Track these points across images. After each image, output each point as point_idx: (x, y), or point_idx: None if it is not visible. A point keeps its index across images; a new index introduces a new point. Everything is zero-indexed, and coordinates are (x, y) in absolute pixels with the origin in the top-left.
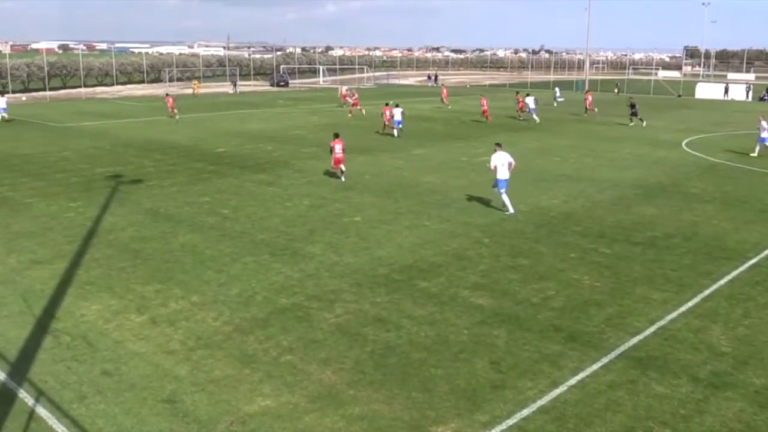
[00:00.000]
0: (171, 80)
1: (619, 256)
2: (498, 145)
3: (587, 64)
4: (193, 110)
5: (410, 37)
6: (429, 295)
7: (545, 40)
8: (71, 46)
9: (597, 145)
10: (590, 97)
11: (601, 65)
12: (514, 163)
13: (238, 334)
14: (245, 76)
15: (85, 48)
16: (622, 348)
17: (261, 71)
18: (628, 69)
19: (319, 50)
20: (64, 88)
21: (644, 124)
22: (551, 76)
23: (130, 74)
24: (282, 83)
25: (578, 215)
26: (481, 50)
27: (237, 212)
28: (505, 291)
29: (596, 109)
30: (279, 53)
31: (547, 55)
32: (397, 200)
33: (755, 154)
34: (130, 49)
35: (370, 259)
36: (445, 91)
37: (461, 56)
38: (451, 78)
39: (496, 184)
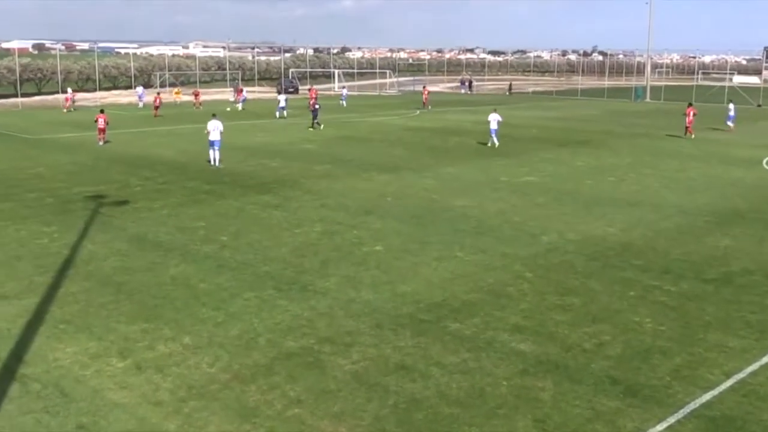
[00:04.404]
0: (162, 85)
1: (688, 295)
2: (213, 115)
3: (648, 68)
4: (188, 120)
5: (440, 36)
6: (462, 339)
7: (598, 40)
8: (48, 45)
9: (660, 163)
10: (426, 93)
11: (665, 69)
12: (222, 129)
13: (237, 382)
14: (248, 81)
15: (63, 48)
16: (692, 405)
17: (267, 75)
18: (697, 74)
19: (334, 51)
20: (39, 94)
21: (321, 127)
22: (606, 82)
23: (116, 78)
24: (291, 89)
25: (638, 246)
26: (523, 52)
27: (237, 240)
28: (551, 335)
29: (430, 107)
30: (288, 55)
31: (600, 58)
32: (425, 227)
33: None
34: (116, 50)
35: (393, 295)
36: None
37: (500, 59)
38: (487, 84)
39: (210, 144)
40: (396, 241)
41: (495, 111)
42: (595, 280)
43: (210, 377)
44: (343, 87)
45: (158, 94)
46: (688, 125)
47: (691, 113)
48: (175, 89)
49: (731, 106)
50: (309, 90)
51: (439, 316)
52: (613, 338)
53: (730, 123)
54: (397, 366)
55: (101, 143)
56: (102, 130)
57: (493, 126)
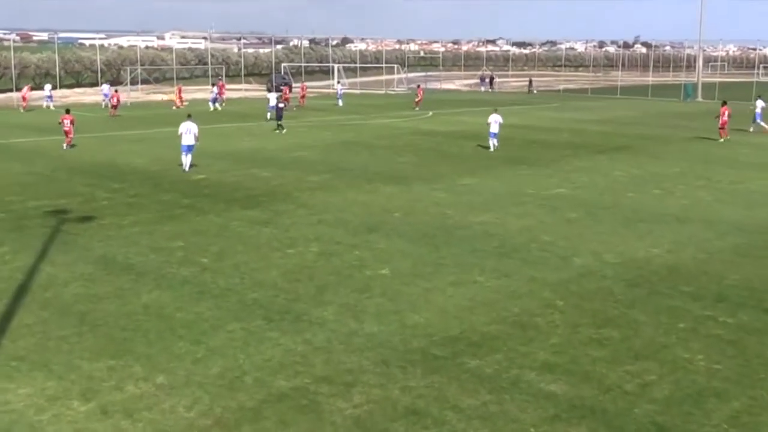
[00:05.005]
0: (134, 83)
1: (748, 327)
2: (189, 116)
3: (700, 63)
4: (162, 123)
5: (457, 25)
6: (482, 379)
7: (641, 29)
8: (0, 36)
9: (714, 173)
10: (421, 92)
11: (719, 63)
12: (197, 133)
13: (219, 429)
14: (234, 78)
15: (18, 39)
16: None
17: (255, 71)
18: (758, 68)
19: (334, 43)
20: None
21: (284, 131)
22: (650, 78)
23: (79, 74)
24: (283, 87)
25: (688, 270)
26: (553, 43)
27: (220, 262)
28: (586, 374)
29: (418, 108)
30: (279, 47)
31: (644, 50)
32: (438, 247)
33: None
34: (79, 41)
35: (401, 327)
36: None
37: (526, 51)
38: (511, 81)
39: (183, 149)
40: (404, 264)
41: (496, 111)
42: (638, 309)
43: (188, 423)
44: (338, 83)
45: (116, 91)
46: (722, 126)
47: (726, 113)
48: (177, 87)
49: (759, 102)
50: (284, 87)
51: (455, 352)
52: (660, 378)
53: (761, 122)
54: (406, 410)
55: (65, 147)
56: (67, 132)
57: (494, 129)
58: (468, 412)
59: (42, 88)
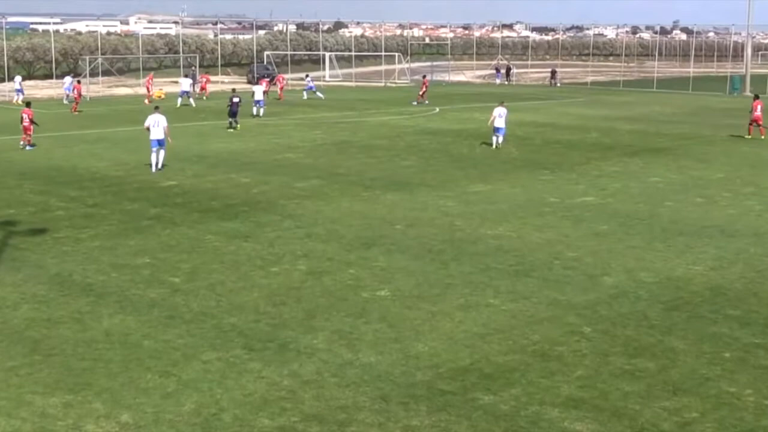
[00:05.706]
0: (94, 74)
1: None
2: (156, 108)
3: (748, 51)
4: (127, 121)
5: (467, 7)
6: (496, 417)
7: (681, 13)
8: None
9: (764, 178)
10: (426, 84)
11: None
12: (167, 127)
13: None
14: (210, 68)
15: None
16: None
17: (234, 60)
18: None
19: (324, 28)
20: None
21: (238, 127)
22: (691, 69)
23: (31, 64)
24: (267, 78)
25: (735, 291)
26: (579, 28)
27: (194, 281)
28: (617, 411)
29: (427, 101)
30: (262, 32)
31: (684, 37)
32: (446, 264)
33: None
34: (31, 26)
35: (403, 357)
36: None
37: (548, 37)
38: (530, 72)
39: (152, 144)
40: (407, 284)
41: (502, 104)
42: (677, 336)
43: None
44: (307, 76)
45: (78, 83)
46: (754, 122)
47: (759, 108)
48: (159, 90)
49: None
50: (261, 80)
51: (465, 386)
52: (702, 416)
53: None
54: None
55: (26, 147)
56: (26, 129)
57: (499, 124)
58: None
59: (12, 80)
